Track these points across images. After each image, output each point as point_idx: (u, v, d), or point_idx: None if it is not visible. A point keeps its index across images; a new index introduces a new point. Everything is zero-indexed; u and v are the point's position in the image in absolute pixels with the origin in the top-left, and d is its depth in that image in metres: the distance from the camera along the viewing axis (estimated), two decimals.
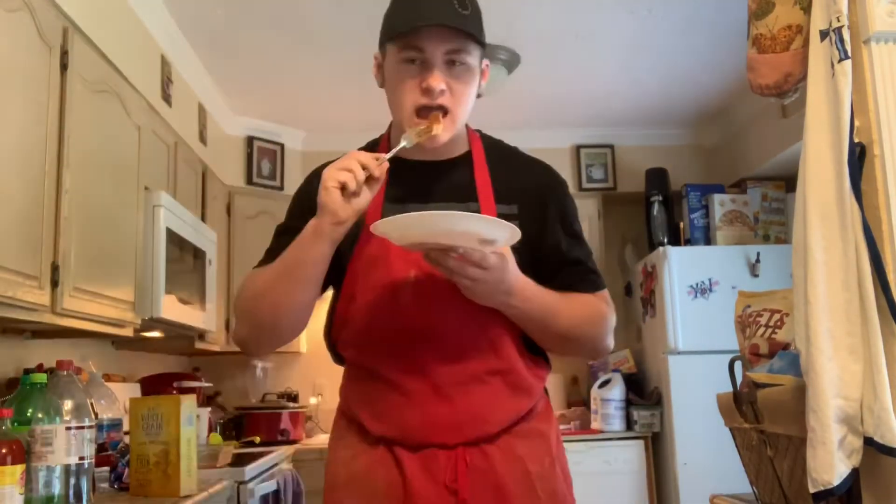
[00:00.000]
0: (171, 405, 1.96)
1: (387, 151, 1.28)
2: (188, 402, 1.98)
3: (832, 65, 1.21)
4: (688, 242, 4.10)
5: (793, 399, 1.29)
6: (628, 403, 3.95)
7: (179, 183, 3.14)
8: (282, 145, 4.34)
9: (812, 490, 1.16)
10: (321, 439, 4.05)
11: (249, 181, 4.17)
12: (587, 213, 4.27)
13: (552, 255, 1.40)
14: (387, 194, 1.37)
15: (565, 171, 4.15)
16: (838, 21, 1.20)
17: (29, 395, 1.69)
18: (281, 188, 4.28)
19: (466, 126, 1.44)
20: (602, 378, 4.04)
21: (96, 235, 2.28)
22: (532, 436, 1.38)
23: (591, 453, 3.79)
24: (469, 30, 1.28)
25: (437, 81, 1.29)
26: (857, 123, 1.20)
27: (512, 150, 1.49)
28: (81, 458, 1.68)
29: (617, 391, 3.93)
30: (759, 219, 4.08)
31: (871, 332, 1.14)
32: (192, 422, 1.99)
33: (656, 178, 4.28)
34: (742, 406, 1.50)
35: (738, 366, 1.53)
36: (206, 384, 3.68)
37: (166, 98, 3.03)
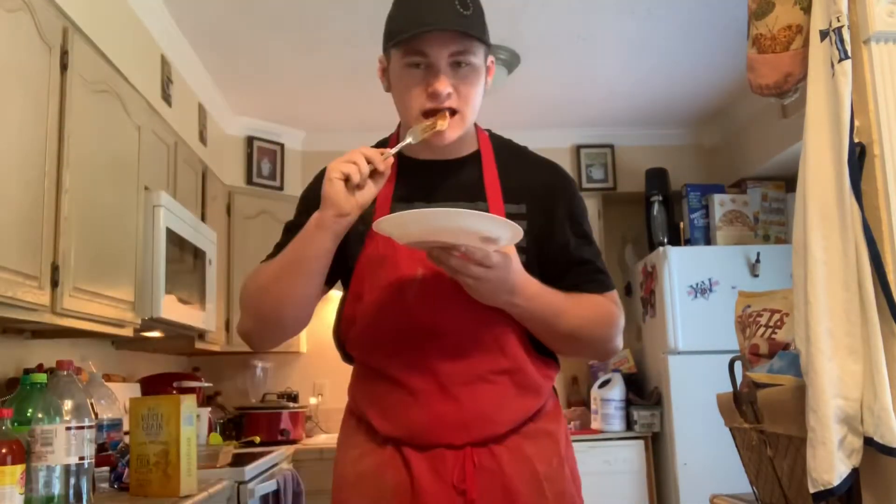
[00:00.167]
0: (171, 405, 1.96)
1: None
2: (188, 402, 1.98)
3: (832, 65, 1.21)
4: (688, 242, 4.10)
5: (793, 399, 1.29)
6: (628, 403, 3.95)
7: (179, 183, 3.14)
8: (282, 145, 4.34)
9: (812, 490, 1.16)
10: (321, 439, 4.06)
11: (249, 181, 4.17)
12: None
13: (560, 255, 1.39)
14: (395, 193, 1.37)
15: None
16: (838, 21, 1.20)
17: (29, 395, 1.69)
18: (281, 188, 4.28)
19: (475, 125, 1.44)
20: (602, 378, 4.04)
21: (96, 235, 2.28)
22: (540, 436, 1.37)
23: (591, 453, 3.79)
24: (472, 31, 1.28)
25: (444, 86, 1.28)
26: (857, 123, 1.20)
27: (521, 149, 1.49)
28: (81, 458, 1.68)
29: (617, 391, 3.93)
30: (759, 219, 4.08)
31: (871, 332, 1.14)
32: (192, 422, 1.99)
33: (656, 178, 4.28)
34: (742, 406, 1.50)
35: (738, 366, 1.53)
36: (206, 384, 3.68)
37: (166, 98, 3.03)
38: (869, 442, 1.13)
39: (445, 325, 1.32)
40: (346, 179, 1.21)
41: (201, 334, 3.34)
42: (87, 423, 1.71)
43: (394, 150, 1.26)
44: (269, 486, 2.76)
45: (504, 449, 1.33)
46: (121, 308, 2.44)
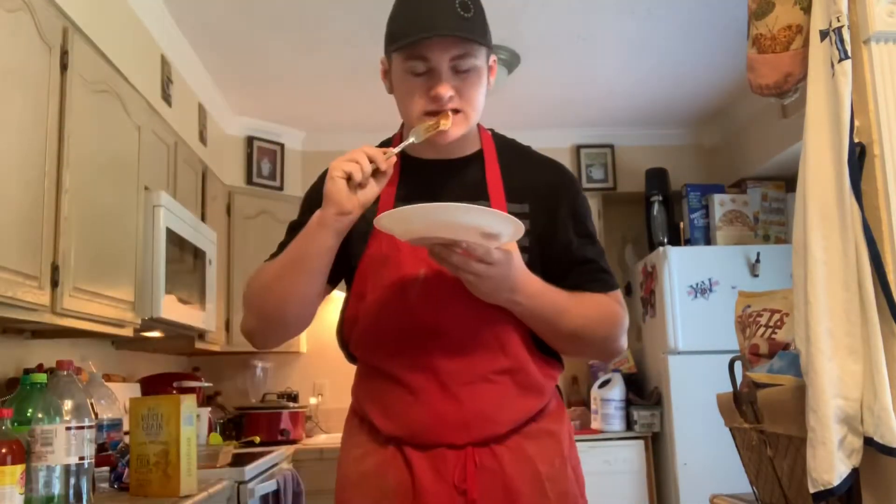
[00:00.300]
0: (171, 405, 1.96)
1: None
2: (188, 402, 1.98)
3: (832, 65, 1.21)
4: (688, 242, 4.10)
5: (793, 399, 1.29)
6: (628, 403, 3.95)
7: (179, 183, 3.14)
8: (282, 145, 4.34)
9: (812, 490, 1.16)
10: (321, 439, 4.06)
11: (249, 181, 4.17)
12: None
13: (563, 255, 1.39)
14: (398, 193, 1.37)
15: None
16: (838, 21, 1.20)
17: (29, 395, 1.69)
18: (281, 188, 4.28)
19: (479, 125, 1.44)
20: (602, 378, 4.04)
21: (96, 235, 2.28)
22: (542, 436, 1.37)
23: (591, 453, 3.79)
24: (473, 35, 1.28)
25: (445, 90, 1.28)
26: (857, 123, 1.20)
27: (524, 149, 1.49)
28: (81, 458, 1.68)
29: (617, 391, 3.93)
30: (759, 219, 4.08)
31: (871, 332, 1.14)
32: (192, 422, 1.99)
33: (656, 178, 4.28)
34: (742, 406, 1.50)
35: (738, 366, 1.53)
36: (206, 384, 3.68)
37: (166, 98, 3.03)
38: (869, 442, 1.13)
39: (447, 325, 1.32)
40: (349, 178, 1.21)
41: (201, 334, 3.34)
42: (87, 423, 1.71)
43: (397, 150, 1.26)
44: (269, 486, 2.76)
45: (505, 449, 1.33)
46: (121, 308, 2.44)
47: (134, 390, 3.15)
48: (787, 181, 4.09)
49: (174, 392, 3.20)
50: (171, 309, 2.75)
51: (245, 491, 2.51)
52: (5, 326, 2.23)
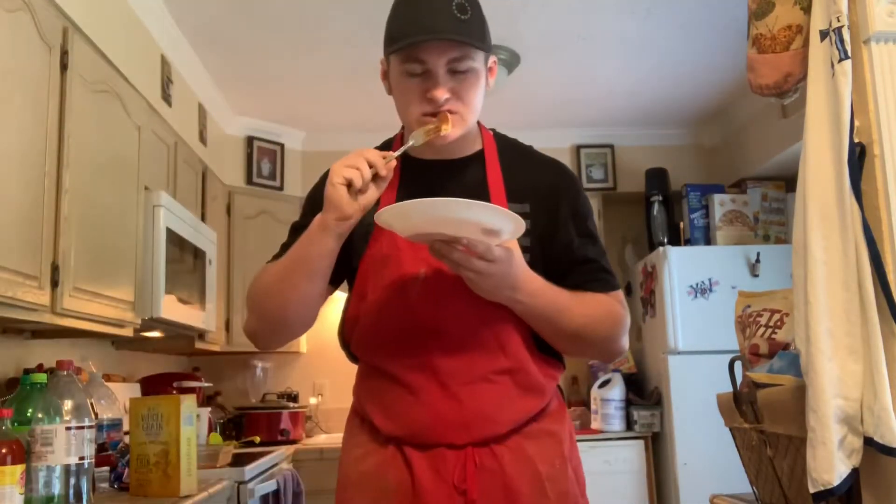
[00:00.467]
0: (171, 405, 1.96)
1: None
2: (188, 402, 1.98)
3: (832, 65, 1.21)
4: (688, 242, 4.10)
5: (793, 399, 1.29)
6: (628, 403, 3.95)
7: (179, 183, 3.14)
8: (282, 145, 4.34)
9: (812, 490, 1.16)
10: (321, 439, 4.05)
11: (249, 181, 4.17)
12: None
13: (564, 255, 1.39)
14: (399, 194, 1.37)
15: None
16: (838, 21, 1.20)
17: (29, 395, 1.69)
18: (281, 188, 4.28)
19: (480, 125, 1.44)
20: (602, 378, 4.04)
21: (96, 235, 2.28)
22: (543, 436, 1.37)
23: (592, 453, 3.79)
24: (470, 38, 1.28)
25: (441, 93, 1.29)
26: (857, 123, 1.20)
27: (526, 148, 1.49)
28: (81, 458, 1.68)
29: (617, 391, 3.93)
30: (759, 219, 4.08)
31: (871, 332, 1.14)
32: (192, 422, 1.99)
33: (656, 178, 4.28)
34: (742, 406, 1.49)
35: (738, 366, 1.53)
36: (206, 384, 3.68)
37: (166, 98, 3.03)
38: (869, 442, 1.13)
39: (448, 324, 1.32)
40: (349, 184, 1.21)
41: (201, 334, 3.34)
42: (87, 423, 1.71)
43: (396, 154, 1.26)
44: (269, 486, 2.76)
45: (505, 449, 1.33)
46: (121, 308, 2.44)
47: (134, 390, 3.15)
48: (787, 181, 4.09)
49: (174, 392, 3.20)
50: (171, 309, 2.75)
51: (245, 491, 2.51)
52: (5, 326, 2.23)
